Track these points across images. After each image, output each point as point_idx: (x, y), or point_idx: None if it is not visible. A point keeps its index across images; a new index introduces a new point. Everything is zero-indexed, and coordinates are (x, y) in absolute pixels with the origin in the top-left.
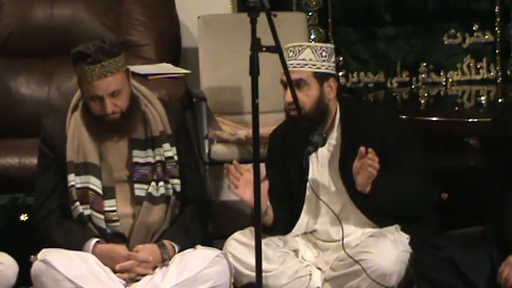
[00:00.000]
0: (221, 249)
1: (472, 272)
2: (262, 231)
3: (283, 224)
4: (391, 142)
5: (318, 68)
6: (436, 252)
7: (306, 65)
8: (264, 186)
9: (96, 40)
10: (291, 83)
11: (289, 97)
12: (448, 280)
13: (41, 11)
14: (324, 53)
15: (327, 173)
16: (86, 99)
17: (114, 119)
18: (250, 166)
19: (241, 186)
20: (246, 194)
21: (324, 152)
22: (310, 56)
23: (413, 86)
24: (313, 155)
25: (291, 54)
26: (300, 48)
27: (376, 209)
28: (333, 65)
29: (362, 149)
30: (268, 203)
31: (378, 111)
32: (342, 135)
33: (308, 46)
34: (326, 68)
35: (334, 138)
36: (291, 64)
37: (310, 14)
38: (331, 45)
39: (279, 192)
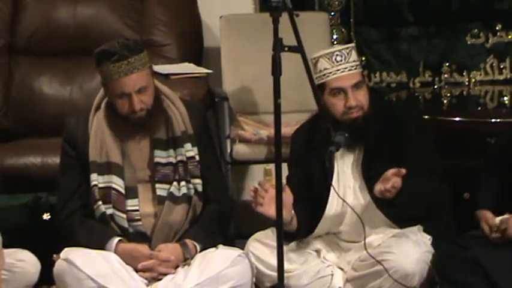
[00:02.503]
0: (243, 249)
1: (496, 272)
2: (285, 238)
3: (306, 227)
4: (411, 143)
5: (360, 67)
6: (460, 252)
7: (357, 66)
8: (289, 198)
9: (119, 39)
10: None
11: (353, 101)
12: (472, 280)
13: (64, 10)
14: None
15: (350, 174)
16: (112, 99)
17: (140, 117)
18: (272, 166)
19: (265, 203)
20: (271, 210)
21: (353, 157)
22: (356, 57)
23: (436, 86)
24: (337, 156)
25: (339, 58)
26: (348, 51)
27: (397, 211)
28: None
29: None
30: (293, 212)
31: (401, 112)
32: (365, 136)
33: (352, 47)
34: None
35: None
36: (345, 68)
37: (332, 13)
38: None
39: (302, 193)
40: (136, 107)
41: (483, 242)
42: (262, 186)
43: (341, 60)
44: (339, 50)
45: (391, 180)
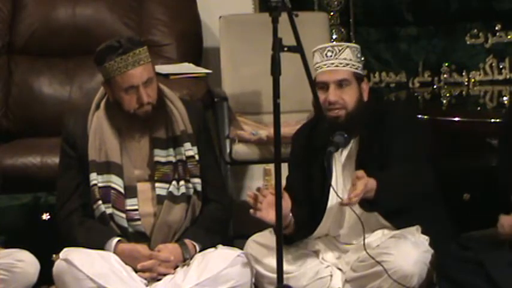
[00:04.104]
0: (242, 249)
1: (497, 272)
2: (283, 241)
3: (305, 230)
4: (402, 144)
5: (356, 68)
6: (460, 253)
7: (348, 64)
8: (286, 203)
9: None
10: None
11: (333, 96)
12: (472, 281)
13: (63, 10)
14: (358, 54)
15: (349, 177)
16: (118, 95)
17: (147, 111)
18: (271, 166)
19: (264, 208)
20: (269, 215)
21: (346, 155)
22: (350, 56)
23: (435, 86)
24: (337, 158)
25: (329, 54)
26: (340, 48)
27: (391, 211)
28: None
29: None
30: (291, 216)
31: (397, 113)
32: (360, 137)
33: (348, 46)
34: (361, 69)
35: (356, 140)
36: (332, 63)
37: (331, 13)
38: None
39: (302, 195)
40: (144, 99)
41: (484, 242)
42: (261, 192)
43: (331, 56)
44: (332, 46)
45: (355, 185)
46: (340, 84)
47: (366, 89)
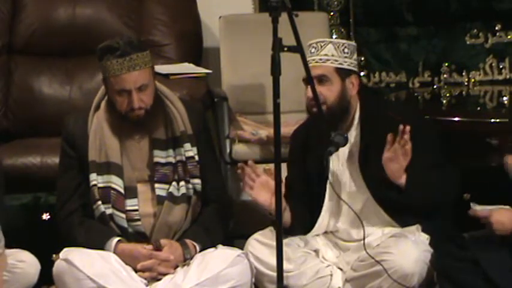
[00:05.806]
0: (242, 249)
1: (495, 272)
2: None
3: (303, 224)
4: (414, 142)
5: (340, 63)
6: (459, 252)
7: (328, 60)
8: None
9: (123, 35)
10: (311, 80)
11: (310, 93)
12: (472, 281)
13: (63, 10)
14: (346, 50)
15: (347, 172)
16: (112, 95)
17: (139, 116)
18: (271, 166)
19: (256, 187)
20: (261, 196)
21: (344, 151)
22: (333, 52)
23: (435, 86)
24: (333, 155)
25: (313, 50)
26: (322, 44)
27: (398, 206)
28: (355, 62)
29: (390, 136)
30: (285, 204)
31: (397, 108)
32: (361, 133)
33: (330, 42)
34: (348, 65)
35: (353, 136)
36: (313, 59)
37: (331, 13)
38: (353, 43)
39: (300, 192)
40: (135, 104)
41: (483, 242)
42: (253, 169)
43: (313, 52)
44: (315, 43)
45: (392, 151)
46: (320, 79)
47: (355, 83)
